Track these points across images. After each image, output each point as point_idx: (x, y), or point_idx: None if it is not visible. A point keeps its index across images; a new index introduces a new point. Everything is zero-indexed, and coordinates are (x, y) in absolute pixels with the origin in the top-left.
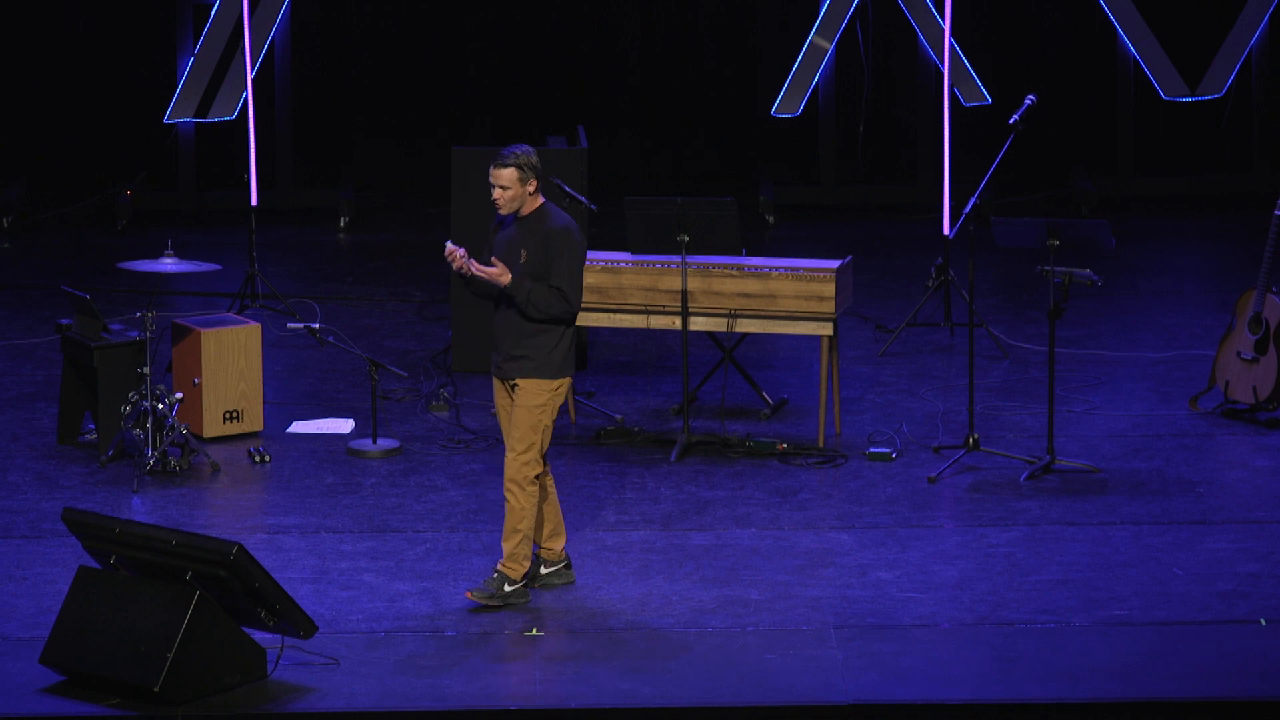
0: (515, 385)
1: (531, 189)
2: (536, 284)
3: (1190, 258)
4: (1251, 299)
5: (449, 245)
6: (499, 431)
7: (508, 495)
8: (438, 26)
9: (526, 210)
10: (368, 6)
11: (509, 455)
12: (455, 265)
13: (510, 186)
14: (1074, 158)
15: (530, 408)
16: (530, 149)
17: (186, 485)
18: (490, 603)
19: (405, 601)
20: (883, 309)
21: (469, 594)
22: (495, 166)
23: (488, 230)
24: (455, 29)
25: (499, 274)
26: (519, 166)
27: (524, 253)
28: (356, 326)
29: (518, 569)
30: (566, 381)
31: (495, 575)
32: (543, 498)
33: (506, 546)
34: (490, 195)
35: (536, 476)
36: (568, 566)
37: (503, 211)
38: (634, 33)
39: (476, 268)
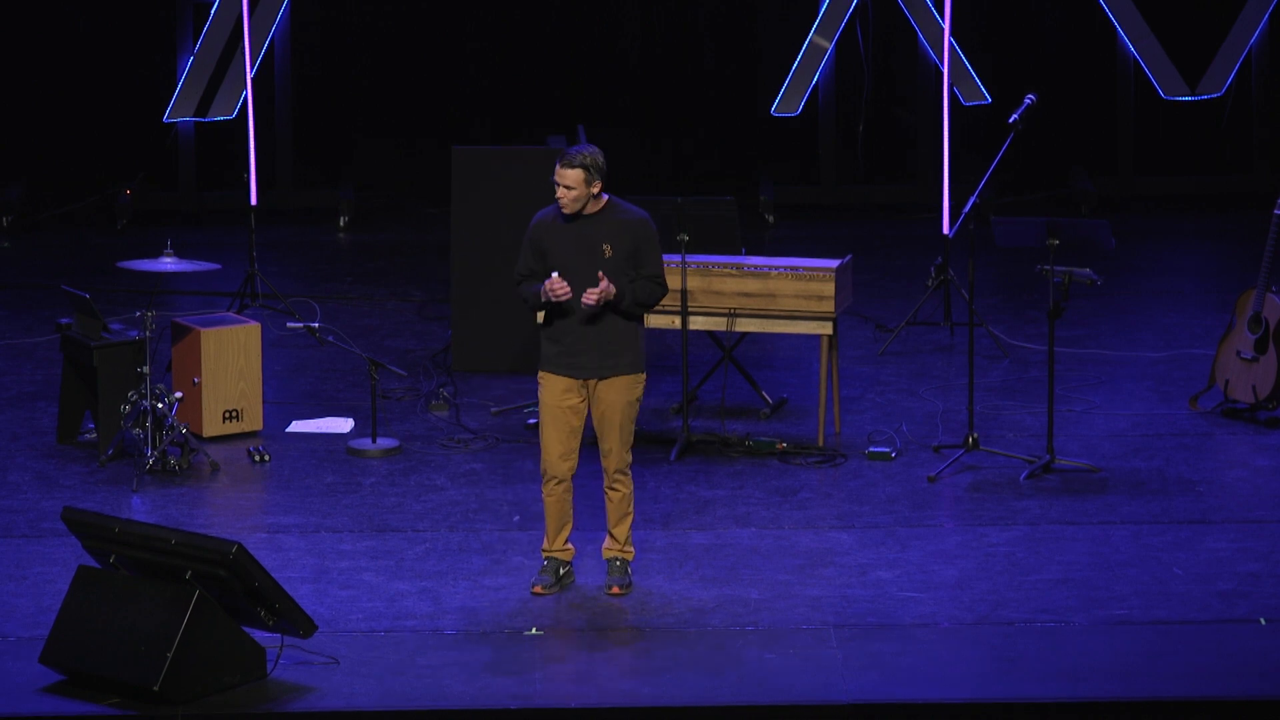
0: (599, 384)
1: (595, 190)
2: (633, 283)
3: (1190, 258)
4: (1251, 298)
5: (556, 277)
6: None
7: (617, 486)
8: (438, 26)
9: (591, 210)
10: (368, 6)
11: (614, 447)
12: (559, 296)
13: (575, 187)
14: (1074, 158)
15: (631, 402)
16: (597, 150)
17: (186, 485)
18: (627, 591)
19: (405, 601)
20: (883, 309)
21: (614, 590)
22: (562, 166)
23: (531, 228)
24: (455, 29)
25: (609, 291)
26: (585, 168)
27: (607, 248)
28: (356, 326)
29: (633, 551)
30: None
31: (619, 563)
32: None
33: (624, 533)
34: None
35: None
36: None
37: (567, 211)
38: (634, 33)
39: (596, 297)
